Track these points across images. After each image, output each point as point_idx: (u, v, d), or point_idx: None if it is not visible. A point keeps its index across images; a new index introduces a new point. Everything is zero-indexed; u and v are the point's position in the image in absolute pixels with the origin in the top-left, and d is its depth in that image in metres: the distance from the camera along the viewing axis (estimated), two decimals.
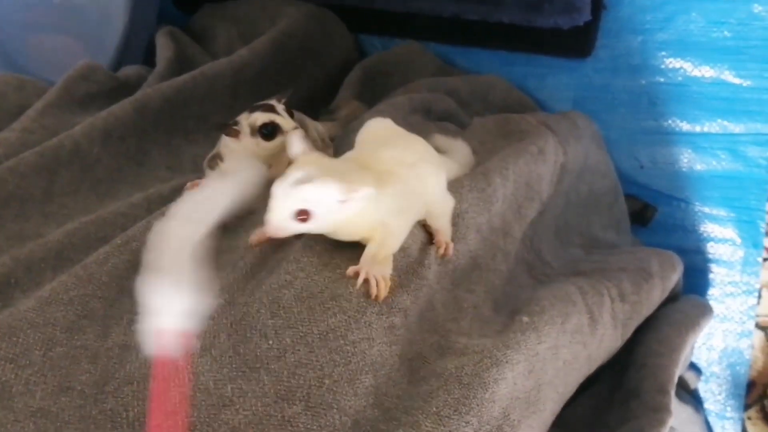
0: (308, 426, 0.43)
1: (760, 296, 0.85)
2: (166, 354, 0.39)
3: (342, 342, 0.46)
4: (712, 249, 0.86)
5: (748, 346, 0.86)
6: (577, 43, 0.84)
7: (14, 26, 1.00)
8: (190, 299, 0.40)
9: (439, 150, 0.66)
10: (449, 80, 0.84)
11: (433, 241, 0.56)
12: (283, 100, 0.62)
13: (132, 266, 0.55)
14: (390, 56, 0.92)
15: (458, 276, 0.59)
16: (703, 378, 0.88)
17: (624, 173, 0.86)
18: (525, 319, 0.55)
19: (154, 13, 0.97)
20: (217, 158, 0.63)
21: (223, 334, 0.47)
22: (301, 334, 0.46)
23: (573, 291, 0.60)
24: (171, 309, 0.40)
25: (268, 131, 0.60)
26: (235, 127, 0.60)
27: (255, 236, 0.53)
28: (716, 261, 0.86)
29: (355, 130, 0.61)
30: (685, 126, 0.85)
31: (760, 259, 0.85)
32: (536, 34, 0.84)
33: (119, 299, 0.53)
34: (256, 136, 0.60)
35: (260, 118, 0.60)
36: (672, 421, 0.64)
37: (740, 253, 0.85)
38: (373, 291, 0.48)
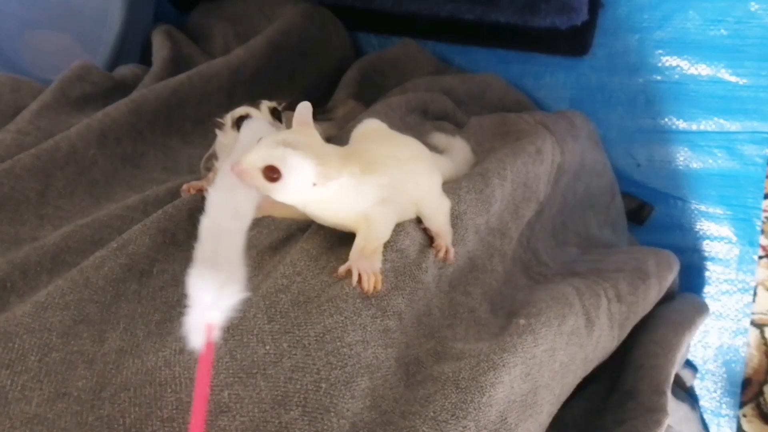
0: (306, 431, 0.43)
1: (755, 294, 0.86)
2: (210, 347, 0.39)
3: (338, 344, 0.46)
4: (709, 247, 0.86)
5: (744, 343, 0.86)
6: (574, 41, 0.84)
7: (10, 23, 1.00)
8: (236, 293, 0.40)
9: (438, 148, 0.66)
10: (446, 79, 0.84)
11: (433, 245, 0.56)
12: (283, 104, 0.62)
13: (128, 270, 0.55)
14: (387, 55, 0.91)
15: (456, 278, 0.58)
16: (698, 376, 0.88)
17: (621, 171, 0.86)
18: (522, 321, 0.55)
19: (150, 12, 0.97)
20: (213, 158, 0.63)
21: (220, 338, 0.47)
22: (297, 338, 0.46)
23: (570, 292, 0.60)
24: (220, 303, 0.40)
25: (241, 122, 0.59)
26: (220, 120, 0.60)
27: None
28: (712, 259, 0.87)
29: (352, 129, 0.61)
30: (681, 124, 0.85)
31: (755, 257, 0.85)
32: (533, 32, 0.84)
33: (115, 303, 0.53)
34: (234, 127, 0.60)
35: (239, 110, 0.60)
36: (668, 421, 0.64)
37: (736, 251, 0.85)
38: (364, 285, 0.48)
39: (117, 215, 0.60)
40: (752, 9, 0.81)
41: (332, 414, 0.44)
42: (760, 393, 0.87)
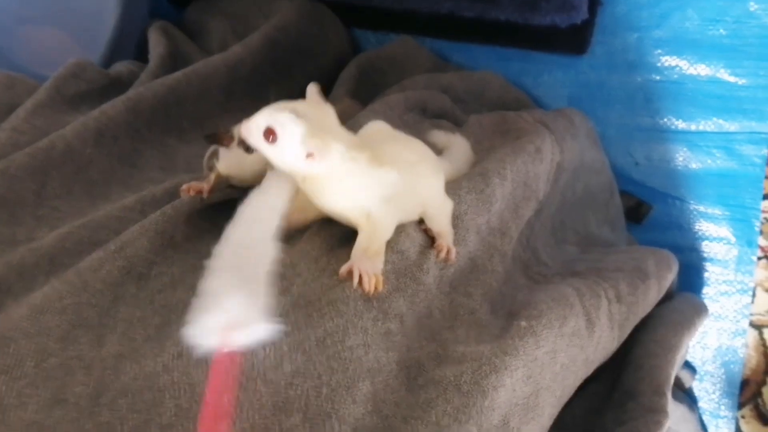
0: None
1: (754, 295, 0.86)
2: (224, 355, 0.39)
3: (339, 348, 0.46)
4: (707, 247, 0.86)
5: (742, 344, 0.87)
6: (573, 39, 0.84)
7: (5, 18, 0.98)
8: (256, 305, 0.40)
9: (437, 147, 0.65)
10: (444, 77, 0.83)
11: (434, 245, 0.55)
12: None
13: (126, 273, 0.54)
14: (385, 52, 0.91)
15: (456, 279, 0.58)
16: (697, 377, 0.88)
17: (619, 170, 0.86)
18: (523, 323, 0.54)
19: (146, 8, 0.96)
20: (214, 156, 0.62)
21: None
22: (298, 341, 0.46)
23: (570, 293, 0.60)
24: (239, 311, 0.40)
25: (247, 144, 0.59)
26: (227, 134, 0.59)
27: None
28: (711, 259, 0.87)
29: (351, 129, 0.60)
30: (680, 124, 0.85)
31: (754, 258, 0.85)
32: (532, 30, 0.84)
33: (114, 307, 0.52)
34: (240, 146, 0.59)
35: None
36: (669, 423, 0.64)
37: (735, 251, 0.85)
38: (365, 286, 0.47)
39: (114, 216, 0.59)
40: (751, 9, 0.81)
41: (334, 419, 0.43)
42: (758, 394, 0.87)
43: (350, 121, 0.71)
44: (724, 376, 0.87)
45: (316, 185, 0.48)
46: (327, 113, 0.49)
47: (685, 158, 0.85)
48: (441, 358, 0.51)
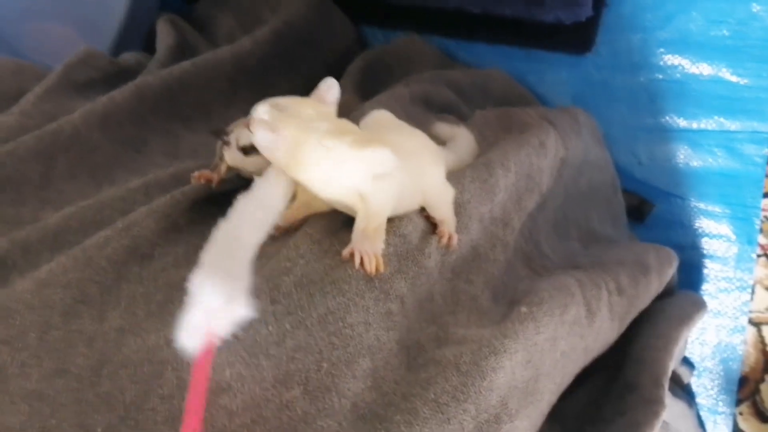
0: (306, 409, 0.43)
1: (753, 292, 0.86)
2: (206, 352, 0.40)
3: (341, 325, 0.46)
4: (707, 245, 0.87)
5: (741, 341, 0.87)
6: (578, 38, 0.85)
7: (12, 13, 0.99)
8: (240, 301, 0.41)
9: (441, 138, 0.66)
10: (450, 73, 0.84)
11: (436, 232, 0.56)
12: None
13: (131, 252, 0.55)
14: (392, 49, 0.91)
15: (459, 266, 0.59)
16: (695, 373, 0.88)
17: (622, 169, 0.86)
18: (523, 309, 0.55)
19: (155, 3, 0.97)
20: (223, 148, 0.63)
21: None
22: (300, 318, 0.46)
23: (572, 283, 0.60)
24: (227, 312, 0.41)
25: (247, 150, 0.59)
26: (225, 136, 0.60)
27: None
28: (711, 257, 0.87)
29: (354, 121, 0.61)
30: (682, 123, 0.85)
31: (753, 256, 0.85)
32: (537, 29, 0.84)
33: (117, 284, 0.53)
34: (239, 150, 0.60)
35: (243, 138, 0.59)
36: (665, 414, 0.64)
37: (734, 249, 0.86)
38: (366, 267, 0.48)
39: (119, 197, 0.60)
40: (754, 10, 0.82)
41: (333, 393, 0.44)
42: (757, 391, 0.87)
43: (355, 112, 0.72)
44: (722, 373, 0.87)
45: (299, 175, 0.49)
46: (312, 105, 0.49)
47: (686, 157, 0.86)
48: (441, 340, 0.51)
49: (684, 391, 0.86)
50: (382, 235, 0.50)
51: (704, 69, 0.83)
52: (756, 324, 0.87)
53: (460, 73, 0.85)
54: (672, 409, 0.79)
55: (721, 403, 0.87)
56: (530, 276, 0.67)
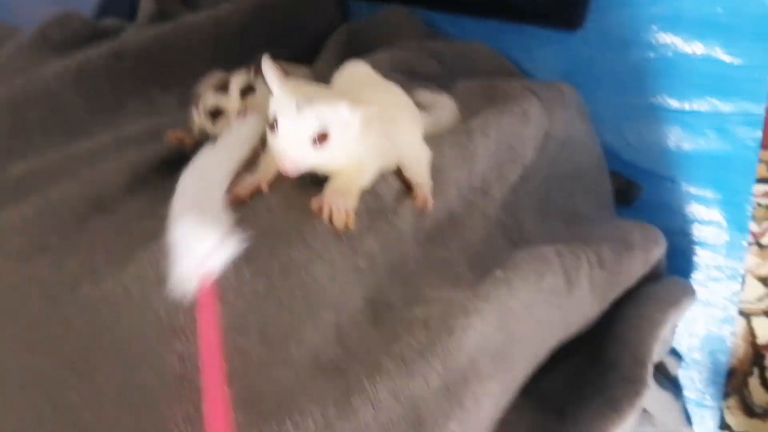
0: (263, 357, 0.41)
1: (744, 282, 0.84)
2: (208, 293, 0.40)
3: (304, 276, 0.44)
4: (697, 231, 0.84)
5: (730, 333, 0.84)
6: (567, 13, 0.83)
7: None
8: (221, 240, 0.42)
9: (423, 106, 0.64)
10: (435, 44, 0.82)
11: (411, 194, 0.54)
12: (254, 67, 0.60)
13: (95, 204, 0.54)
14: (376, 20, 0.90)
15: (434, 231, 0.57)
16: (683, 364, 0.86)
17: (610, 149, 0.84)
18: (498, 273, 0.53)
19: None
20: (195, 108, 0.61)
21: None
22: (260, 267, 0.44)
23: (549, 251, 0.59)
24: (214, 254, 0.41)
25: (215, 114, 0.58)
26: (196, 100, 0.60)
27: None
28: (701, 243, 0.84)
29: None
30: (673, 103, 0.83)
31: (745, 243, 0.83)
32: (526, 3, 0.83)
33: (77, 234, 0.51)
34: (207, 116, 0.59)
35: (210, 100, 0.58)
36: (648, 394, 0.62)
37: (725, 236, 0.83)
38: (335, 221, 0.46)
39: (89, 149, 0.59)
40: None
41: (291, 343, 0.42)
42: (745, 385, 0.85)
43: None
44: (710, 365, 0.85)
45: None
46: (300, 84, 0.47)
47: (677, 138, 0.84)
48: (411, 300, 0.50)
49: (671, 383, 0.84)
50: (356, 196, 0.48)
51: (697, 48, 0.81)
52: (746, 315, 0.84)
53: (445, 45, 0.83)
54: (657, 400, 0.77)
55: (708, 397, 0.85)
56: (509, 248, 0.65)
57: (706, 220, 0.84)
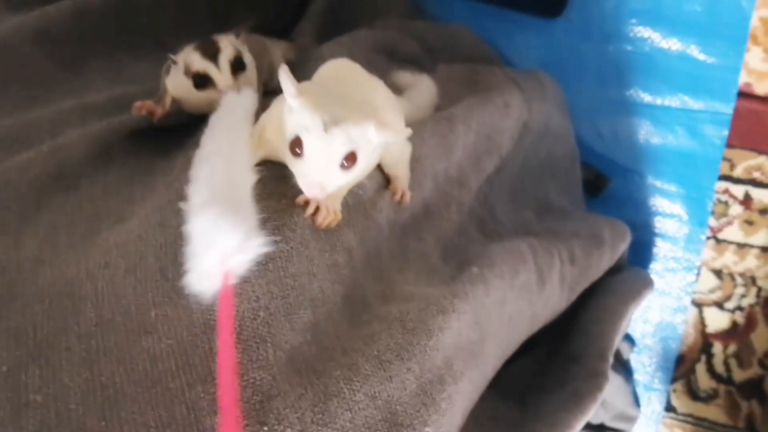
0: (238, 359, 0.39)
1: (699, 274, 0.87)
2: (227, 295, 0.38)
3: (281, 273, 0.43)
4: (659, 224, 0.87)
5: (682, 321, 0.87)
6: (549, 1, 0.82)
7: None
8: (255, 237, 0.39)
9: (401, 86, 0.62)
10: (417, 24, 0.80)
11: (390, 187, 0.53)
12: (240, 35, 0.55)
13: (56, 179, 0.50)
14: None
15: (409, 224, 0.56)
16: (636, 349, 0.89)
17: (583, 141, 0.85)
18: (475, 270, 0.53)
19: None
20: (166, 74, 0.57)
21: (151, 255, 0.43)
22: None
23: (524, 248, 0.59)
24: (239, 248, 0.38)
25: (201, 81, 0.51)
26: (173, 58, 0.54)
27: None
28: (661, 236, 0.87)
29: (314, 60, 0.56)
30: (646, 97, 0.84)
31: (703, 237, 0.85)
32: None
33: (37, 212, 0.48)
34: (189, 78, 0.52)
35: (197, 62, 0.51)
36: (608, 386, 0.64)
37: (685, 229, 0.86)
38: (318, 219, 0.44)
39: (50, 117, 0.55)
40: None
41: (268, 344, 0.40)
42: (692, 371, 0.89)
43: (312, 55, 0.67)
44: (661, 351, 0.88)
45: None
46: (317, 94, 0.43)
47: (647, 133, 0.85)
48: (387, 297, 0.49)
49: (622, 367, 0.87)
50: (344, 192, 0.47)
51: (673, 44, 0.82)
52: (698, 305, 0.88)
53: (427, 27, 0.81)
54: (611, 383, 0.79)
55: (656, 380, 0.88)
56: (482, 240, 0.64)
57: (669, 213, 0.86)
